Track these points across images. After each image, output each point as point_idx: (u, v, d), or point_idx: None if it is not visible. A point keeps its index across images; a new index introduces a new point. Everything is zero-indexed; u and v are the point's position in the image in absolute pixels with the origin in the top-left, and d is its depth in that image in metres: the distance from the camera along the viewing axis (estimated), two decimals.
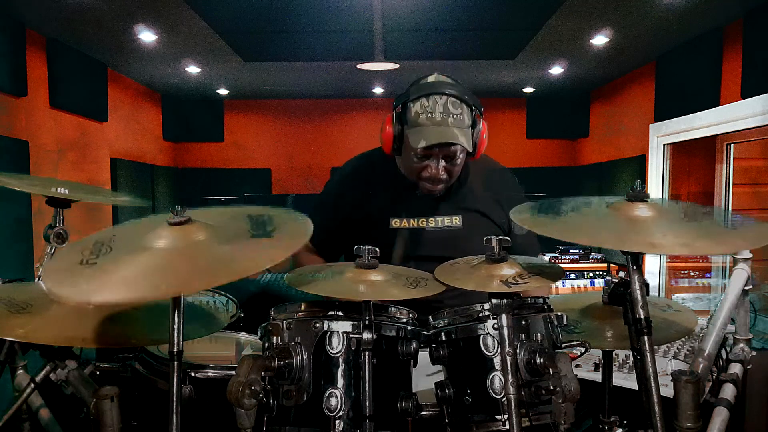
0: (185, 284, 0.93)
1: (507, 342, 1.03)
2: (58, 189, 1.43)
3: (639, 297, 1.01)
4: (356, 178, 1.84)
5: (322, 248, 1.80)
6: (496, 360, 1.08)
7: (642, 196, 1.07)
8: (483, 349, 1.09)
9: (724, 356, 1.65)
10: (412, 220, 1.75)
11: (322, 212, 1.85)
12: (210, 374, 1.33)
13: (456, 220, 1.75)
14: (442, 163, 1.64)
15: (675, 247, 1.02)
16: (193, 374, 1.32)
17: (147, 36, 3.96)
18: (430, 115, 1.58)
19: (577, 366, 1.73)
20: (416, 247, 1.73)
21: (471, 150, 1.63)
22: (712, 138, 3.90)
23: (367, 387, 1.06)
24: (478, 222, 1.77)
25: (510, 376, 1.00)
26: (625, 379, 1.63)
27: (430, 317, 1.22)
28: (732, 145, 3.98)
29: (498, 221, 1.79)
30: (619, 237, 1.04)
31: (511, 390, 0.99)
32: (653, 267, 4.28)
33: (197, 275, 0.93)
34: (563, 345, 1.15)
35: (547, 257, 5.05)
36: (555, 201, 1.19)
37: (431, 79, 1.65)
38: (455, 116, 1.58)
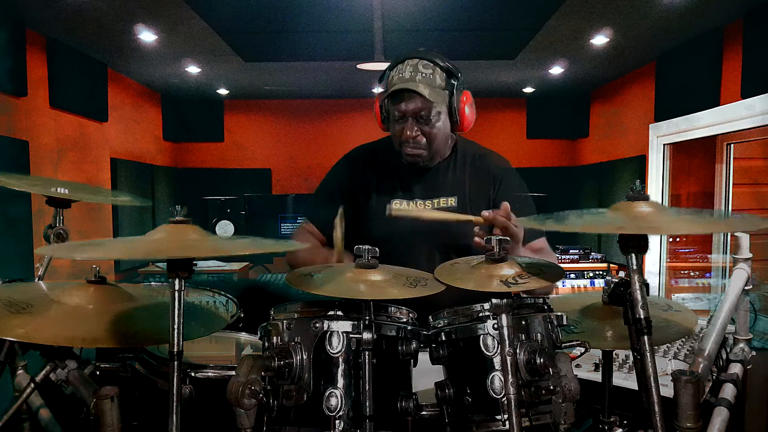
0: None
1: (507, 342, 1.02)
2: (58, 189, 1.43)
3: (639, 297, 1.01)
4: (359, 162, 1.89)
5: (326, 230, 1.80)
6: (496, 360, 1.07)
7: (642, 197, 1.07)
8: (483, 349, 1.09)
9: (724, 356, 1.65)
10: (411, 202, 1.80)
11: (327, 191, 1.90)
12: (210, 374, 1.33)
13: (452, 201, 1.80)
14: (415, 125, 1.68)
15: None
16: (193, 374, 1.31)
17: (147, 36, 3.96)
18: (400, 75, 1.67)
19: (577, 366, 1.73)
20: (416, 227, 1.76)
21: (446, 114, 1.70)
22: (712, 138, 3.90)
23: (367, 387, 1.05)
24: (473, 203, 1.80)
25: (510, 376, 1.00)
26: (625, 379, 1.63)
27: (430, 317, 1.22)
28: (732, 145, 3.98)
29: (491, 202, 1.81)
30: (618, 226, 1.05)
31: (511, 390, 0.99)
32: (653, 267, 4.27)
33: None
34: (563, 345, 1.15)
35: None
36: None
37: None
38: (424, 74, 1.66)
